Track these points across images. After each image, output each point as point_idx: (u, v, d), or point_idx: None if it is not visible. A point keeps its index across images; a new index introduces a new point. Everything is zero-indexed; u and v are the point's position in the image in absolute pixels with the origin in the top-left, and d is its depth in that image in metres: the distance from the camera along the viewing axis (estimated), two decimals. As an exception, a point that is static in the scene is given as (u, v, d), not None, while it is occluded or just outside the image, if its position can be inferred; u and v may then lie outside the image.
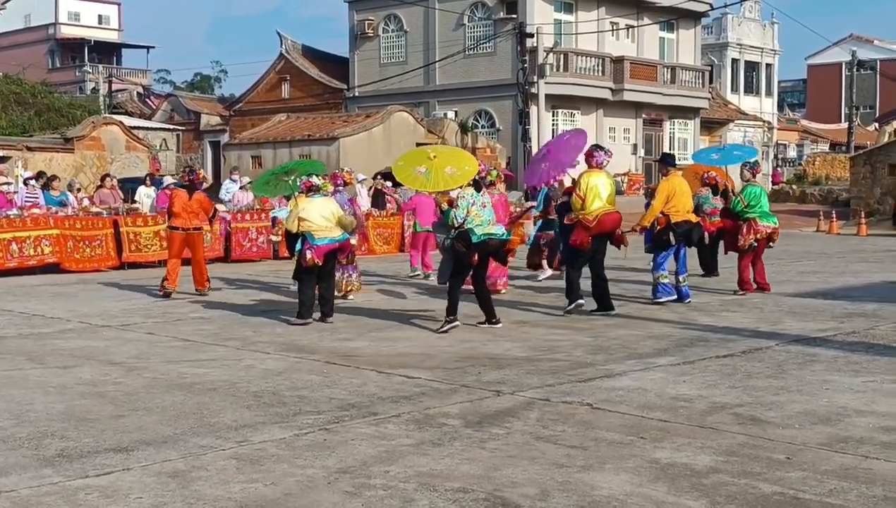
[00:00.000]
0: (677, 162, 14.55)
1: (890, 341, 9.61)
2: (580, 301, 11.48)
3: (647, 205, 12.51)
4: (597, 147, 12.11)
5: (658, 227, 12.30)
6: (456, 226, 10.31)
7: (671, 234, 12.24)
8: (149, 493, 4.98)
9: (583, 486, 5.07)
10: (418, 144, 33.71)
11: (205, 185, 14.83)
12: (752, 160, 14.70)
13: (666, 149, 42.14)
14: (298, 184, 11.85)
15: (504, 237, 10.78)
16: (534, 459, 5.56)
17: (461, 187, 10.56)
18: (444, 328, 10.41)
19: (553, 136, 35.48)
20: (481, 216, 10.43)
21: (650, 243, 12.81)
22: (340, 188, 13.57)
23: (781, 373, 8.00)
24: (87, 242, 18.01)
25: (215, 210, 14.85)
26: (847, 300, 12.90)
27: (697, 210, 15.01)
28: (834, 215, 32.81)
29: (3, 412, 6.78)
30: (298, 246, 11.15)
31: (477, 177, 10.75)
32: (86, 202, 19.86)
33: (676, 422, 6.38)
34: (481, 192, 10.69)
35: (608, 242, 11.82)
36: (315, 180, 11.53)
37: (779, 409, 6.72)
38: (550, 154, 12.75)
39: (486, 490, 5.02)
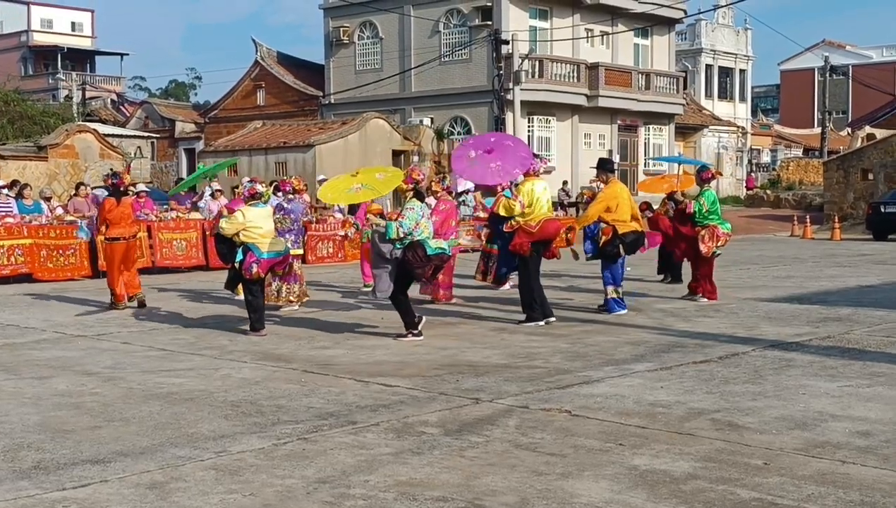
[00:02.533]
0: (650, 166, 14.63)
1: (865, 345, 9.69)
2: (540, 322, 11.28)
3: None
4: (534, 155, 12.23)
5: (604, 238, 11.96)
6: (400, 237, 10.04)
7: (620, 246, 11.92)
8: (127, 505, 4.94)
9: (562, 494, 5.08)
10: (394, 151, 33.73)
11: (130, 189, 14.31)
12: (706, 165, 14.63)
13: (641, 155, 42.40)
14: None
15: (448, 253, 10.67)
16: (513, 467, 5.56)
17: (406, 198, 10.41)
18: (406, 338, 10.30)
19: (528, 143, 35.61)
20: (428, 228, 10.31)
21: (592, 253, 12.36)
22: (292, 196, 13.47)
23: (758, 379, 8.05)
24: (60, 251, 17.89)
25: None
26: (822, 304, 12.99)
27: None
28: (808, 220, 33.03)
29: (-22, 424, 6.71)
30: (240, 256, 10.81)
31: (417, 187, 10.52)
32: (59, 210, 19.69)
33: (654, 429, 6.40)
34: (423, 203, 10.51)
35: (541, 254, 11.65)
36: (259, 187, 11.27)
37: (756, 415, 6.75)
38: (495, 154, 11.83)
39: (465, 498, 5.01)
